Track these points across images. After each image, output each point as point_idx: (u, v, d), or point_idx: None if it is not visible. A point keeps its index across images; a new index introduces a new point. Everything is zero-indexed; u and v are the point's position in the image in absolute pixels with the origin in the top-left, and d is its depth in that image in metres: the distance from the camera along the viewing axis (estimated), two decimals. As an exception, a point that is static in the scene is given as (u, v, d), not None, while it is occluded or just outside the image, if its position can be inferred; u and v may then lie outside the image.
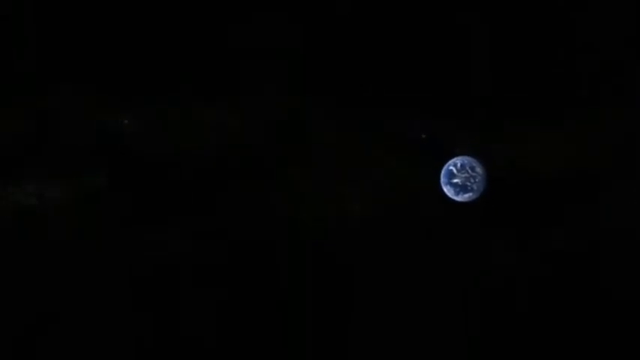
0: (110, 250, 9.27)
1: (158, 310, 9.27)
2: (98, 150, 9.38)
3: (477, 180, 9.12)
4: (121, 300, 9.25)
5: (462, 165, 9.14)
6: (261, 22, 9.43)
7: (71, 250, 9.27)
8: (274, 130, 9.42)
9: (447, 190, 9.15)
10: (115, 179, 9.36)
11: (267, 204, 9.34)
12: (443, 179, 9.15)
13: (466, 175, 9.13)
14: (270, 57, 9.42)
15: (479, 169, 9.13)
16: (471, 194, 9.13)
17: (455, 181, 9.14)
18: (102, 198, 9.34)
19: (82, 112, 9.40)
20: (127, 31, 9.40)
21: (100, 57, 9.40)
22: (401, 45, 9.34)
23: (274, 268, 9.28)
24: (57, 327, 9.21)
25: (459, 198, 9.15)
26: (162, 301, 9.27)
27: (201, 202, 9.35)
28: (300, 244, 9.28)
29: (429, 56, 9.30)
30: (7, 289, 9.20)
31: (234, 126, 9.43)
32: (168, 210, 9.33)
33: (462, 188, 9.14)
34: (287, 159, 9.37)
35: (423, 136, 9.22)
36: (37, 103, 9.40)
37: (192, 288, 9.29)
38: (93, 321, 9.23)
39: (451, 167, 9.15)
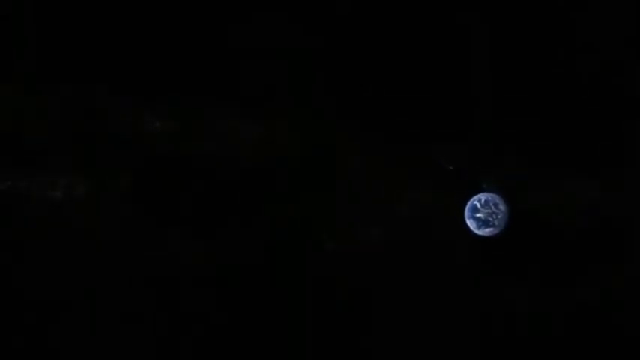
0: (126, 248, 9.41)
1: (166, 310, 9.41)
2: (129, 151, 9.55)
3: (499, 217, 9.54)
4: (132, 299, 9.38)
5: (486, 201, 9.55)
6: (300, 44, 9.73)
7: (89, 245, 9.39)
8: (300, 151, 9.70)
9: (470, 224, 9.56)
10: (142, 181, 9.52)
11: (287, 222, 9.59)
12: (467, 213, 9.56)
13: (489, 210, 9.55)
14: (305, 79, 9.71)
15: (502, 207, 9.55)
16: (492, 229, 9.54)
17: (478, 215, 9.55)
18: (126, 198, 9.50)
19: (117, 112, 9.59)
20: (169, 39, 9.63)
21: (137, 60, 9.61)
22: (438, 80, 9.70)
23: (287, 286, 9.48)
24: (68, 321, 9.33)
25: (480, 232, 9.56)
26: (171, 302, 9.41)
27: (222, 211, 9.53)
28: (317, 265, 9.53)
29: (466, 92, 9.68)
30: (22, 279, 9.31)
31: (264, 142, 9.68)
32: (188, 215, 9.51)
33: (484, 223, 9.55)
34: (311, 181, 9.64)
35: (451, 167, 9.64)
36: (72, 99, 9.58)
37: (199, 293, 9.45)
38: (104, 318, 9.35)
39: (475, 202, 9.55)
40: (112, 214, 9.44)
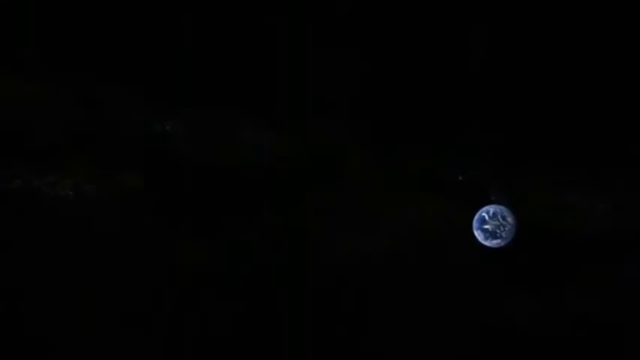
0: (134, 248, 9.42)
1: (171, 310, 9.41)
2: (138, 152, 9.58)
3: (506, 229, 9.74)
4: (138, 299, 9.39)
5: (494, 213, 9.75)
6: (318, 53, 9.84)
7: (99, 244, 9.39)
8: (306, 157, 9.79)
9: (478, 235, 9.76)
10: (151, 181, 9.55)
11: (295, 229, 9.67)
12: (475, 224, 9.75)
13: (497, 222, 9.74)
14: (318, 87, 9.81)
15: (510, 219, 9.75)
16: (499, 241, 9.74)
17: (486, 227, 9.75)
18: (136, 198, 9.50)
19: (128, 113, 9.61)
20: (186, 42, 9.68)
21: (150, 62, 9.65)
22: (449, 91, 9.86)
23: (291, 294, 9.54)
24: (76, 319, 9.29)
25: (487, 243, 9.75)
26: (176, 302, 9.42)
27: (229, 215, 9.59)
28: (322, 273, 9.61)
29: (477, 105, 9.86)
30: (30, 279, 9.27)
31: (274, 147, 9.75)
32: (195, 217, 9.55)
33: (491, 234, 9.75)
34: (320, 188, 9.72)
35: (460, 178, 9.87)
36: (85, 100, 9.59)
37: (203, 294, 9.45)
38: (112, 317, 9.34)
39: (484, 214, 9.75)
40: (121, 214, 9.46)
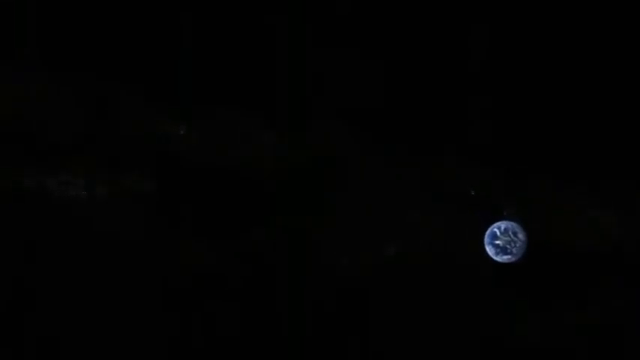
0: (135, 248, 9.50)
1: (176, 312, 9.49)
2: (138, 152, 9.61)
3: (517, 245, 9.42)
4: (138, 299, 9.48)
5: (505, 229, 9.45)
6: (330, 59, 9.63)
7: (99, 244, 9.50)
8: (310, 158, 9.62)
9: (489, 250, 9.47)
10: (150, 181, 9.57)
11: (295, 229, 9.55)
12: (486, 239, 9.47)
13: (508, 238, 9.43)
14: (319, 87, 9.61)
15: (521, 235, 9.42)
16: (510, 257, 9.44)
17: (497, 242, 9.45)
18: (135, 198, 9.57)
19: (142, 116, 9.67)
20: (186, 42, 9.61)
21: (152, 63, 9.62)
22: (462, 105, 9.52)
23: (291, 294, 9.47)
24: (84, 320, 9.47)
25: (498, 258, 9.46)
26: (174, 303, 9.50)
27: (229, 215, 9.55)
28: (322, 273, 9.50)
29: (491, 120, 9.49)
30: (39, 279, 9.48)
31: (274, 147, 9.64)
32: (195, 217, 9.53)
33: (502, 250, 9.44)
34: (320, 188, 9.58)
35: (472, 192, 9.48)
36: (85, 100, 9.66)
37: (207, 296, 9.51)
38: (119, 318, 9.46)
39: (495, 229, 9.47)
40: (121, 214, 9.57)
